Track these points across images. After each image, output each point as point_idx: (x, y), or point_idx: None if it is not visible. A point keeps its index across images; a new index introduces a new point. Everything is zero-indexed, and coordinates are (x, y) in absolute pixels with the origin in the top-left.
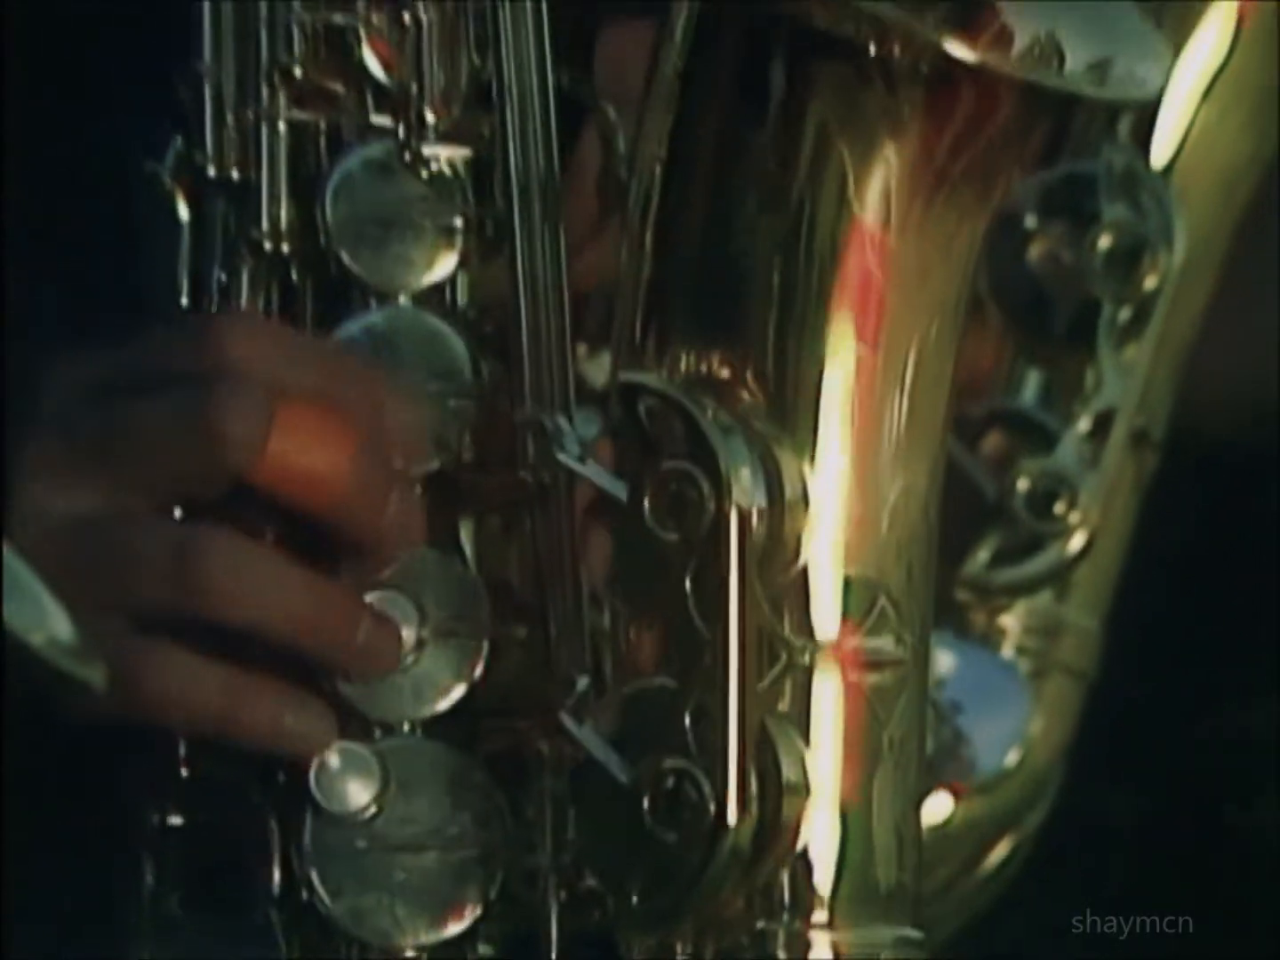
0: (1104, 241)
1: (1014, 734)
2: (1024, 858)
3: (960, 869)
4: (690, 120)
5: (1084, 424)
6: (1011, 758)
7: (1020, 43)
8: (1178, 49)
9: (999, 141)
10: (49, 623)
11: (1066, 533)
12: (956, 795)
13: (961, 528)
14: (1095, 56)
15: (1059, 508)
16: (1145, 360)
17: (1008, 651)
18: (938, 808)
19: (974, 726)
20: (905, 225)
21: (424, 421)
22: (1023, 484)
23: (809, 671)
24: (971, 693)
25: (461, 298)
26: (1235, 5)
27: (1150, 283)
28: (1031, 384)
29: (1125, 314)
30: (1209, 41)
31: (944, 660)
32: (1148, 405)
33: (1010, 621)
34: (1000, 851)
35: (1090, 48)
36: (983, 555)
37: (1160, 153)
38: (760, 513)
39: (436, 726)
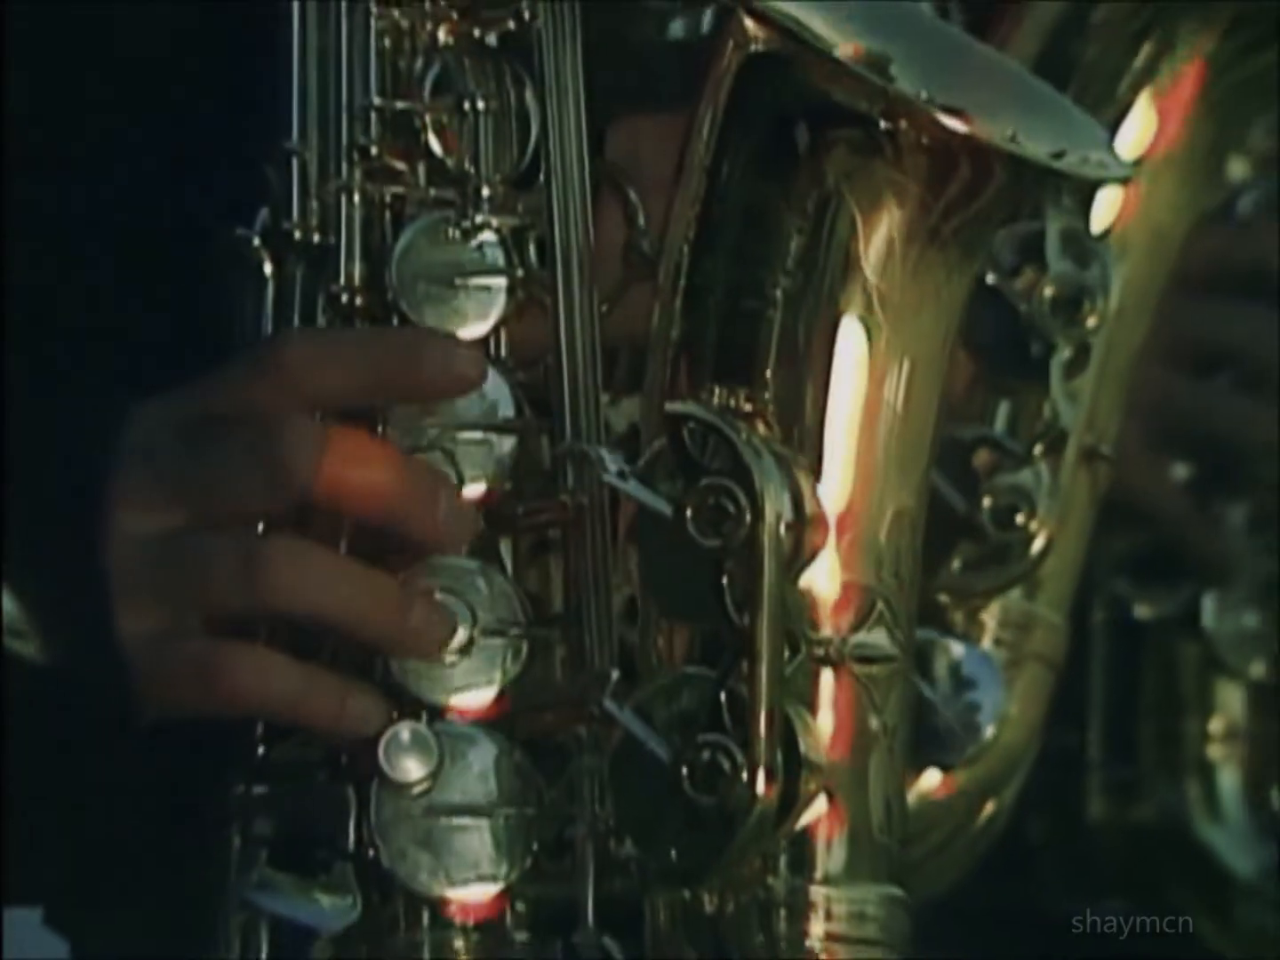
0: (1050, 291)
1: (992, 715)
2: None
3: (950, 832)
4: (716, 198)
5: (1040, 446)
6: (990, 735)
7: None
8: (1114, 129)
9: (985, 206)
10: None
11: (1029, 540)
12: (945, 770)
13: (937, 539)
14: (1053, 148)
15: (1020, 519)
16: (1089, 389)
17: (986, 644)
18: (930, 780)
19: (959, 709)
20: (903, 277)
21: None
22: (988, 500)
23: (820, 663)
24: (956, 680)
25: (503, 349)
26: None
27: (1091, 324)
28: (1001, 414)
29: (1069, 352)
30: (1139, 123)
31: (948, 653)
32: (1095, 426)
33: (987, 618)
34: (983, 817)
35: (1048, 141)
36: (956, 563)
37: (1101, 216)
38: (787, 524)
39: (486, 718)
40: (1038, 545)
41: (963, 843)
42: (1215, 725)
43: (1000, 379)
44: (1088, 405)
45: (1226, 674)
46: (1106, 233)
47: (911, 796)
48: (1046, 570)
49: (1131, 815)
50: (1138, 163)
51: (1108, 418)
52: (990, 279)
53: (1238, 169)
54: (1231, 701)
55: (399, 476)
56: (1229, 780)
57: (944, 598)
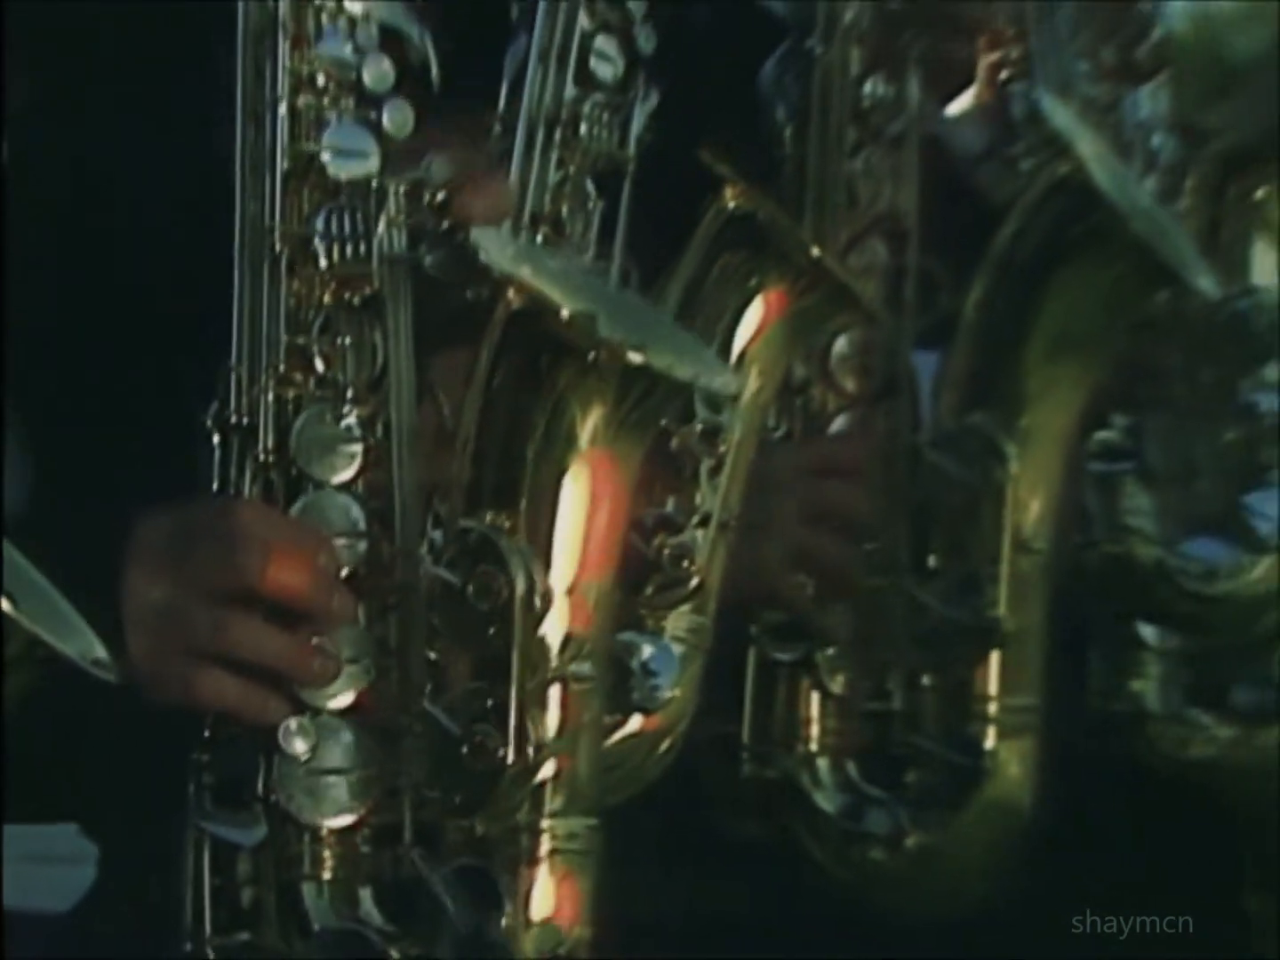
0: (698, 428)
1: (670, 684)
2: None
3: (642, 758)
4: (492, 399)
5: (696, 520)
6: (668, 695)
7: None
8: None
9: (654, 404)
10: (88, 644)
11: (691, 576)
12: (646, 714)
13: (638, 576)
14: (692, 371)
15: (685, 563)
16: (723, 485)
17: (668, 640)
18: (633, 723)
19: (654, 678)
20: (604, 446)
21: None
22: (667, 551)
23: (551, 682)
24: (648, 663)
25: (361, 488)
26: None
27: (723, 448)
28: (671, 502)
29: (711, 463)
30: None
31: (643, 647)
32: (728, 507)
33: (668, 624)
34: (660, 750)
35: (689, 366)
36: (649, 589)
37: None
38: (528, 595)
39: (345, 714)
40: (695, 580)
41: (650, 765)
42: (812, 722)
43: (669, 481)
44: (723, 495)
45: (823, 692)
46: (736, 395)
47: (619, 735)
48: (704, 594)
49: (765, 773)
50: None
51: (735, 502)
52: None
53: None
54: (824, 708)
55: (310, 583)
56: (821, 758)
57: (643, 612)
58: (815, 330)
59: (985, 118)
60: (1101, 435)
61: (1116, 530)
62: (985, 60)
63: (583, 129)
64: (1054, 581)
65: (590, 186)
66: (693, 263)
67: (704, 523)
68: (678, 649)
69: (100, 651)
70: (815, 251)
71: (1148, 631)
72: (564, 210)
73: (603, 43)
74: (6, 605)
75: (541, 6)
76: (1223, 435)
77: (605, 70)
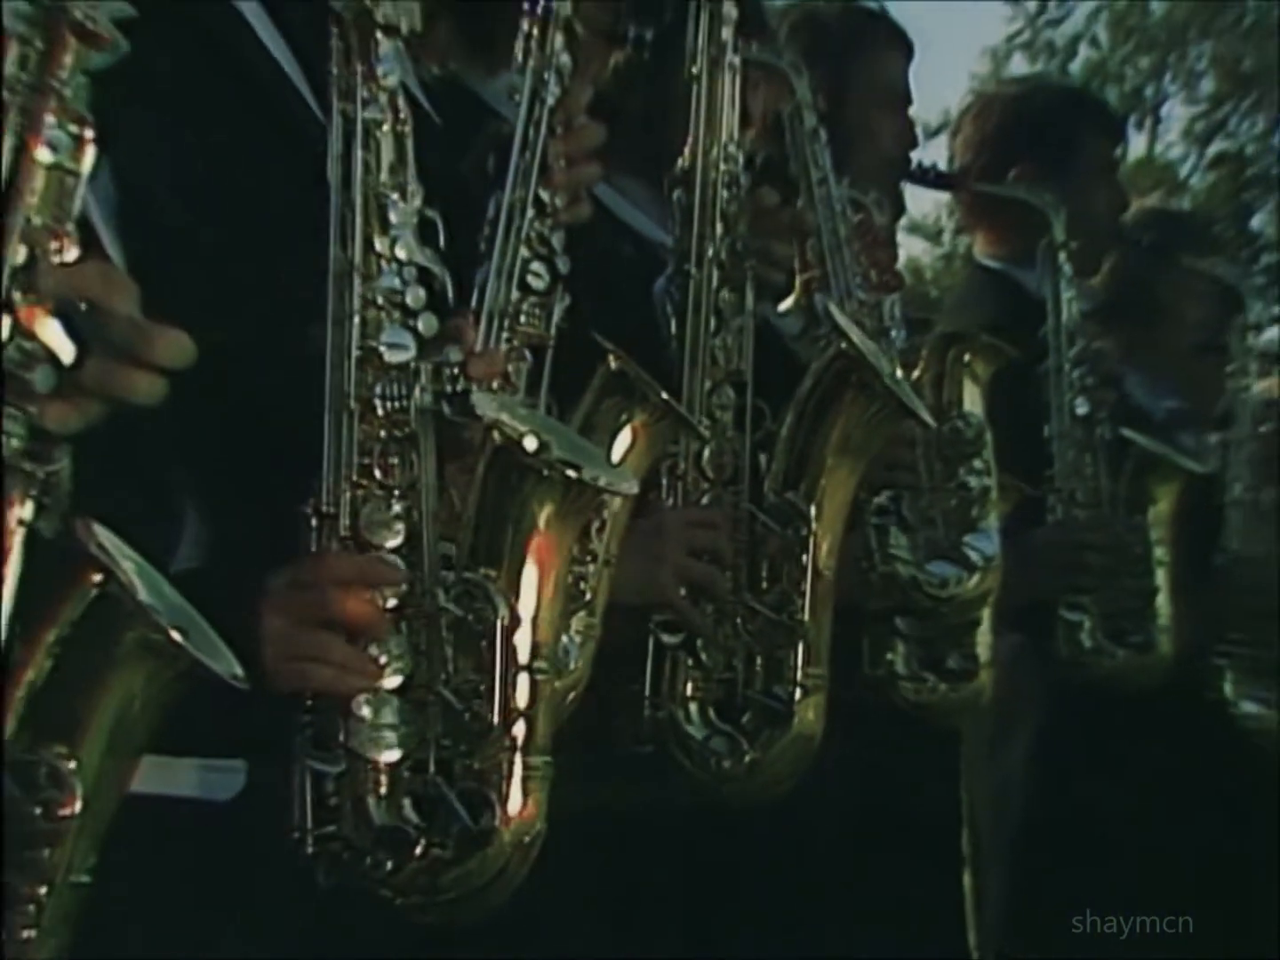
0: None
1: (574, 660)
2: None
3: (556, 707)
4: (486, 501)
5: (590, 558)
6: (573, 667)
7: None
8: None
9: (583, 502)
10: (230, 664)
11: (584, 594)
12: (559, 678)
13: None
14: (606, 479)
15: (581, 586)
16: (607, 536)
17: (572, 634)
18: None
19: (566, 658)
20: (554, 527)
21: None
22: (570, 580)
23: (519, 673)
24: (564, 651)
25: (403, 550)
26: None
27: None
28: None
29: (597, 524)
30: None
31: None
32: (609, 551)
33: (574, 623)
34: (569, 701)
35: (603, 475)
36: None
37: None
38: (507, 623)
39: (393, 692)
40: (588, 595)
41: (561, 710)
42: (687, 683)
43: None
44: (606, 544)
45: (695, 664)
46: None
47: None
48: (594, 604)
49: (657, 715)
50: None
51: (614, 548)
52: None
53: None
54: (695, 675)
55: (367, 610)
56: (692, 705)
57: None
58: (663, 443)
59: (798, 313)
60: (877, 501)
61: (886, 559)
62: (799, 278)
63: (522, 319)
64: (838, 594)
65: (527, 354)
66: (589, 402)
67: (594, 560)
68: (577, 639)
69: (238, 669)
70: (663, 395)
71: (901, 622)
72: (510, 369)
73: (536, 266)
74: (177, 636)
75: (496, 245)
76: (950, 500)
77: (537, 283)
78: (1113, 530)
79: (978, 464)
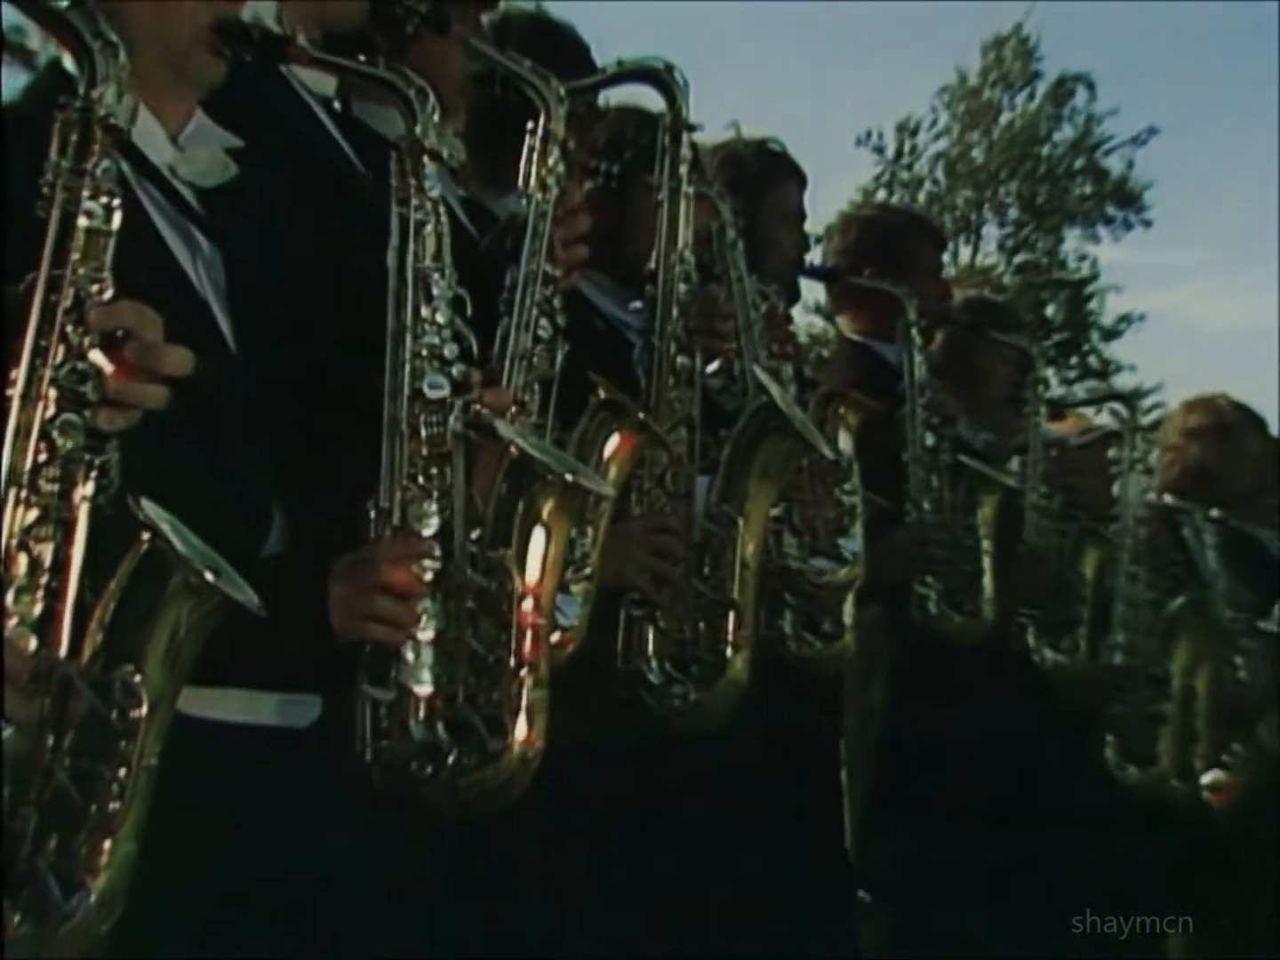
0: None
1: (573, 618)
2: None
3: (556, 659)
4: (501, 499)
5: (585, 551)
6: (571, 624)
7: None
8: None
9: (573, 504)
10: (250, 597)
11: (585, 567)
12: (562, 633)
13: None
14: (592, 487)
15: (581, 566)
16: (596, 532)
17: (573, 597)
18: (555, 638)
19: (565, 617)
20: (554, 516)
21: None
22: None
23: (528, 628)
24: (563, 608)
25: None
26: None
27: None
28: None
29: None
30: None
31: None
32: (598, 544)
33: (573, 590)
34: (567, 652)
35: (591, 485)
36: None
37: None
38: (520, 590)
39: (431, 642)
40: (588, 569)
41: (558, 660)
42: (649, 643)
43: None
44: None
45: (656, 630)
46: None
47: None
48: (591, 579)
49: (628, 667)
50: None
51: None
52: None
53: None
54: (656, 638)
55: (412, 580)
56: (654, 660)
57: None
58: (634, 464)
59: (722, 375)
60: (774, 512)
61: (780, 554)
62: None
63: (534, 361)
64: (758, 582)
65: (537, 387)
66: (584, 421)
67: (593, 542)
68: (579, 600)
69: (256, 599)
70: (642, 416)
71: (789, 599)
72: (525, 398)
73: (543, 321)
74: (210, 576)
75: (516, 299)
76: (828, 513)
77: (544, 334)
78: (951, 529)
79: (848, 487)
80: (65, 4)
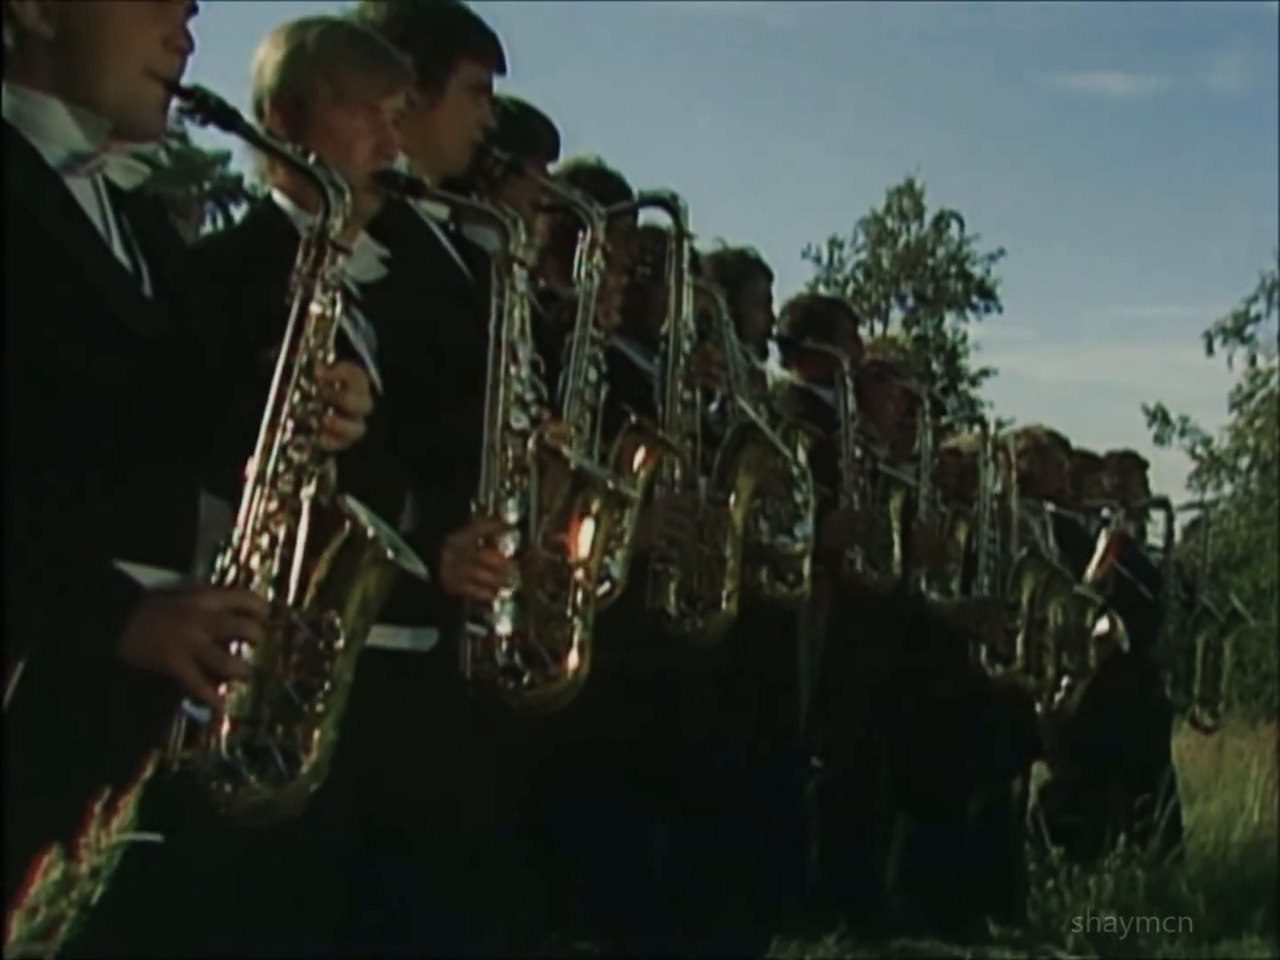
0: None
1: (615, 572)
2: None
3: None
4: (564, 501)
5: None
6: (616, 576)
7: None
8: None
9: (614, 502)
10: (418, 567)
11: (623, 534)
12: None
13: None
14: (628, 493)
15: (620, 538)
16: (629, 523)
17: (616, 558)
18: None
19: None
20: (600, 509)
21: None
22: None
23: (577, 588)
24: (610, 567)
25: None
26: None
27: None
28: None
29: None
30: None
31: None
32: (630, 530)
33: (616, 553)
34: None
35: (627, 491)
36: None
37: None
38: (574, 558)
39: (511, 598)
40: (626, 537)
41: (605, 601)
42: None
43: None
44: (630, 526)
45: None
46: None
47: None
48: (626, 549)
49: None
50: None
51: (633, 529)
52: None
53: None
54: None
55: (497, 556)
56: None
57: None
58: (657, 470)
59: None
60: (754, 505)
61: (758, 532)
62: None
63: (586, 397)
64: (742, 548)
65: (588, 416)
66: (620, 442)
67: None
68: (620, 559)
69: (424, 569)
70: (660, 434)
71: (762, 564)
72: (580, 424)
73: (592, 370)
74: (391, 554)
75: (572, 354)
76: (789, 505)
77: (594, 377)
78: (871, 514)
79: (804, 486)
80: (311, 160)
